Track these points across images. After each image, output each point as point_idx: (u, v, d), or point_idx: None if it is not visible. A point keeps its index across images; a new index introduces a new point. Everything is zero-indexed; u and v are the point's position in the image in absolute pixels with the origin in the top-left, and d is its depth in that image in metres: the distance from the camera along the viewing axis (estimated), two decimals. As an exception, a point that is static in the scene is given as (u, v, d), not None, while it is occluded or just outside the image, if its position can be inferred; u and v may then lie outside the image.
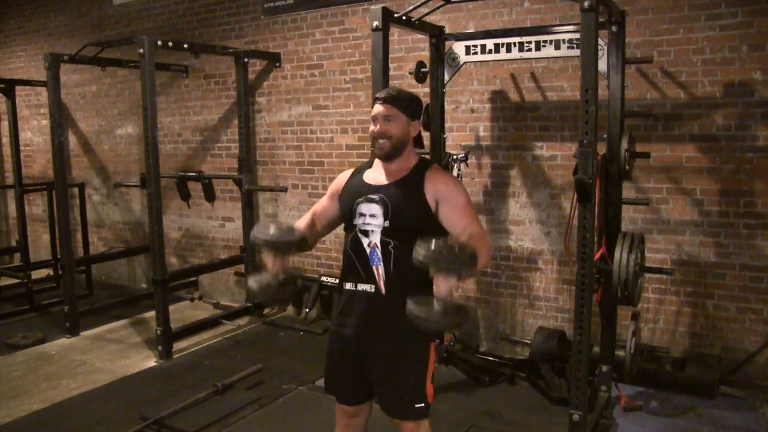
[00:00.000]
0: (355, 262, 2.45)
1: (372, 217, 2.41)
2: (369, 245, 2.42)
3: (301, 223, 2.60)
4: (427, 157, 4.46)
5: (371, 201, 2.43)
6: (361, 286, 2.45)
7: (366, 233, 2.43)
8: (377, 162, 2.54)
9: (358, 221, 2.44)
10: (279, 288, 2.38)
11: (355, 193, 2.50)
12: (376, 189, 2.45)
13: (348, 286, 2.49)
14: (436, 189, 2.40)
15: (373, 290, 2.42)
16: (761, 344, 4.13)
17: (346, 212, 2.51)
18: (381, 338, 2.43)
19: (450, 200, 2.39)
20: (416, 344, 2.43)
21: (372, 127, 2.46)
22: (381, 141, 2.42)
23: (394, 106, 2.43)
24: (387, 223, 2.39)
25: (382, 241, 2.40)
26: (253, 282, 2.43)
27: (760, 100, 4.02)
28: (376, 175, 2.52)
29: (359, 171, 2.60)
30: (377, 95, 2.50)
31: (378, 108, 2.44)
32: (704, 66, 4.14)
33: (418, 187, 2.41)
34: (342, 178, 2.63)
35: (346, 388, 2.59)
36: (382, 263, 2.40)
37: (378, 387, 2.51)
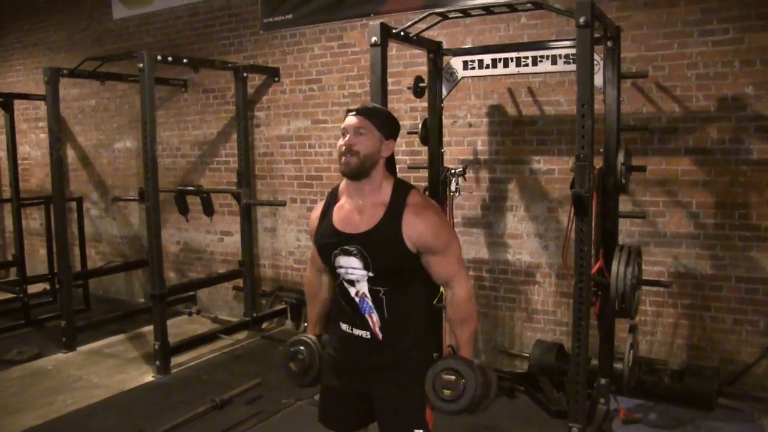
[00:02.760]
0: (347, 308, 2.32)
1: (354, 269, 2.25)
2: (357, 295, 2.27)
3: (310, 296, 2.57)
4: (424, 172, 4.50)
5: (349, 254, 2.24)
6: (356, 331, 2.31)
7: (352, 283, 2.27)
8: (347, 189, 2.30)
9: (341, 271, 2.28)
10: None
11: (329, 243, 2.29)
12: (351, 239, 2.23)
13: (343, 326, 2.36)
14: (415, 235, 2.18)
15: (369, 336, 2.29)
16: (758, 356, 4.14)
17: (326, 262, 2.34)
18: (380, 377, 2.32)
19: (432, 248, 2.21)
20: (416, 371, 2.30)
21: (340, 142, 2.22)
22: (347, 157, 2.18)
23: (367, 118, 2.21)
24: (371, 273, 2.22)
25: (371, 290, 2.25)
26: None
27: (752, 114, 4.06)
28: (348, 212, 2.28)
29: (329, 206, 2.36)
30: (350, 108, 2.33)
31: (350, 119, 2.22)
32: (698, 81, 4.19)
33: (396, 231, 2.18)
34: (313, 218, 2.42)
35: (343, 418, 2.49)
36: (375, 311, 2.26)
37: (378, 413, 2.40)
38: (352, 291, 2.28)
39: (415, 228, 2.18)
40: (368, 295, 2.25)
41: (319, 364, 2.48)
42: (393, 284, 2.24)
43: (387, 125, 2.27)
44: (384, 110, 2.38)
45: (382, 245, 2.20)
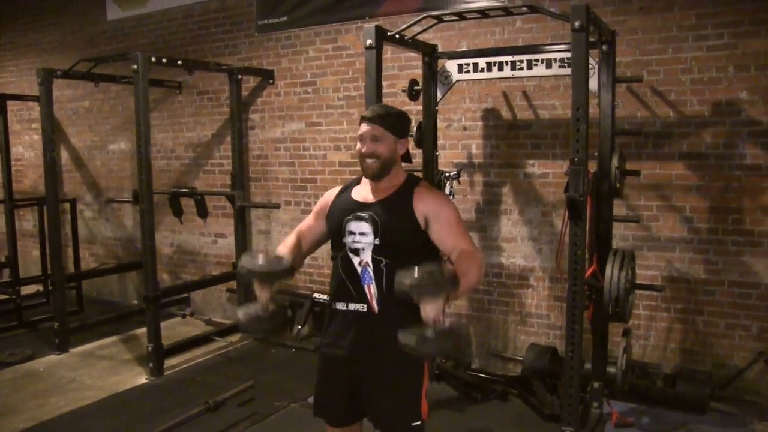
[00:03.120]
0: (346, 281, 2.41)
1: (362, 235, 2.38)
2: (360, 264, 2.38)
3: (287, 245, 2.54)
4: (419, 174, 4.51)
5: (360, 219, 2.39)
6: (352, 306, 2.41)
7: (356, 252, 2.39)
8: (365, 179, 2.51)
9: (348, 239, 2.40)
10: (268, 319, 2.36)
11: (343, 211, 2.46)
12: (365, 206, 2.42)
13: (339, 306, 2.45)
14: (425, 206, 2.37)
15: (365, 309, 2.39)
16: (751, 360, 4.16)
17: (335, 230, 2.47)
18: (374, 358, 2.39)
19: (440, 218, 2.36)
20: (411, 362, 2.35)
21: (359, 146, 2.43)
22: (369, 161, 2.39)
23: (381, 125, 2.39)
24: (378, 241, 2.35)
25: (373, 260, 2.36)
26: (241, 314, 2.38)
27: (746, 119, 4.08)
28: (365, 192, 2.49)
29: (347, 188, 2.57)
30: (364, 114, 2.47)
31: (365, 128, 2.41)
32: (693, 85, 4.20)
33: (407, 204, 2.38)
34: (329, 195, 2.61)
35: (337, 410, 2.54)
36: (374, 282, 2.37)
37: (372, 405, 2.46)
38: (356, 261, 2.39)
39: (425, 200, 2.39)
40: (370, 264, 2.37)
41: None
42: (395, 256, 2.32)
43: (399, 126, 2.46)
44: (393, 111, 2.50)
45: (393, 213, 2.38)
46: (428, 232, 2.36)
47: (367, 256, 2.37)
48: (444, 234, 2.35)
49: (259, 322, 2.36)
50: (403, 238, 2.36)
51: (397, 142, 2.43)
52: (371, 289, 2.37)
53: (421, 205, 2.37)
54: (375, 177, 2.42)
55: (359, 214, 2.40)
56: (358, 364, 2.42)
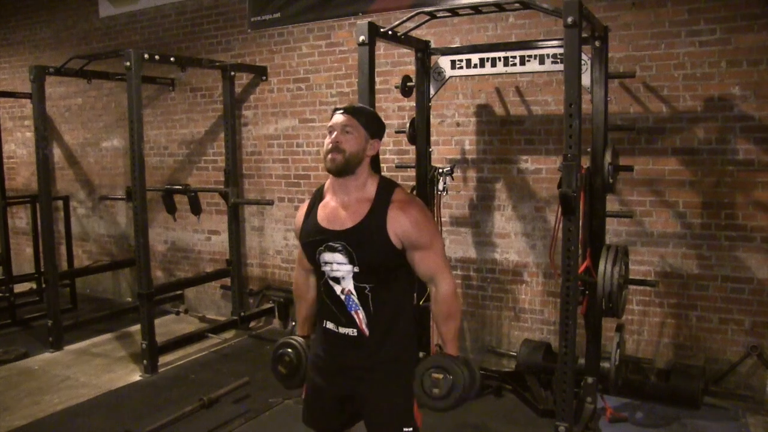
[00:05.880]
0: (332, 307, 2.31)
1: (339, 264, 2.25)
2: (343, 292, 2.27)
3: (300, 284, 2.56)
4: (412, 171, 4.50)
5: (333, 250, 2.24)
6: (342, 330, 2.30)
7: (337, 280, 2.27)
8: (332, 186, 2.33)
9: (326, 269, 2.28)
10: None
11: (314, 241, 2.29)
12: (336, 236, 2.24)
13: (329, 325, 2.35)
14: (399, 229, 2.20)
15: (355, 334, 2.28)
16: (743, 355, 4.17)
17: (311, 260, 2.35)
18: (367, 375, 2.32)
19: (416, 243, 2.22)
20: (403, 369, 2.32)
21: (327, 140, 2.25)
22: (333, 154, 2.21)
23: (354, 117, 2.25)
24: (356, 269, 2.23)
25: (356, 287, 2.25)
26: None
27: (739, 114, 4.09)
28: (331, 210, 2.30)
29: (313, 204, 2.37)
30: (337, 106, 2.35)
31: (337, 117, 2.26)
32: (685, 81, 4.21)
33: (380, 227, 2.20)
34: (299, 217, 2.43)
35: (326, 420, 2.49)
36: (361, 308, 2.26)
37: (365, 410, 2.40)
38: (338, 289, 2.28)
39: (400, 223, 2.20)
40: (354, 292, 2.26)
41: (306, 365, 2.50)
42: (378, 280, 2.24)
43: (373, 125, 2.30)
44: (371, 110, 2.42)
45: (366, 240, 2.21)
46: (405, 253, 2.25)
47: (349, 284, 2.26)
48: (420, 262, 2.25)
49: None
50: (381, 262, 2.24)
51: (368, 141, 2.26)
52: (359, 315, 2.27)
53: (396, 227, 2.20)
54: (339, 173, 2.23)
55: (331, 244, 2.24)
56: (350, 377, 2.36)
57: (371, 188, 2.28)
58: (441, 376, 2.17)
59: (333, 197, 2.32)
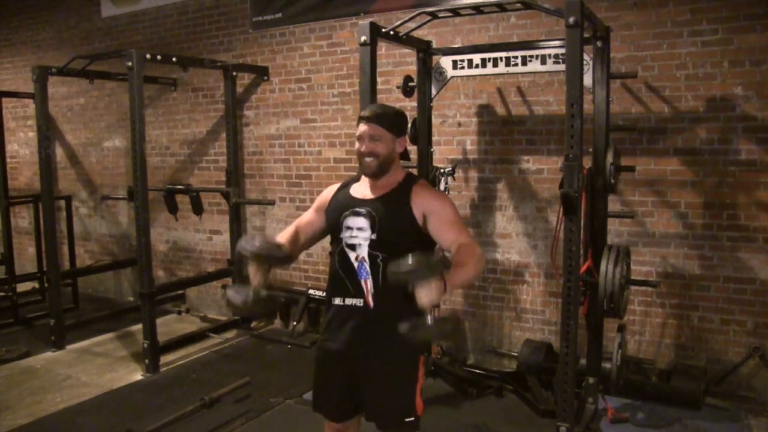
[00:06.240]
0: (343, 276, 2.44)
1: (359, 230, 2.40)
2: (357, 259, 2.41)
3: (284, 235, 2.60)
4: (414, 171, 4.50)
5: (358, 214, 2.42)
6: (349, 301, 2.43)
7: (353, 247, 2.41)
8: (364, 177, 2.54)
9: (345, 235, 2.43)
10: (258, 303, 2.37)
11: (341, 206, 2.49)
12: (363, 203, 2.45)
13: (336, 301, 2.48)
14: (423, 203, 2.40)
15: (361, 304, 2.41)
16: (745, 355, 4.16)
17: (333, 225, 2.50)
18: (370, 353, 2.42)
19: (438, 213, 2.39)
20: (405, 357, 2.42)
21: (358, 146, 2.46)
22: (368, 160, 2.43)
23: (379, 125, 2.43)
24: (374, 236, 2.37)
25: (370, 255, 2.38)
26: (231, 292, 2.40)
27: (741, 114, 4.08)
28: (363, 189, 2.52)
29: (346, 185, 2.60)
30: (362, 114, 2.49)
31: (363, 128, 2.44)
32: (687, 81, 4.20)
33: (405, 200, 2.41)
34: (329, 191, 2.64)
35: (335, 405, 2.57)
36: (370, 277, 2.39)
37: (368, 401, 2.49)
38: (353, 255, 2.41)
39: (423, 197, 2.43)
40: (367, 260, 2.39)
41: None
42: (391, 253, 2.29)
43: (397, 125, 2.49)
44: (391, 110, 2.53)
45: (390, 208, 2.41)
46: (427, 227, 2.39)
47: (364, 252, 2.39)
48: (443, 229, 2.38)
49: (249, 304, 2.36)
50: (399, 234, 2.38)
51: (395, 141, 2.47)
52: (368, 284, 2.39)
53: (419, 201, 2.40)
54: (374, 175, 2.46)
55: (357, 209, 2.43)
56: (355, 358, 2.45)
57: (400, 175, 2.52)
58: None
59: (365, 182, 2.54)
